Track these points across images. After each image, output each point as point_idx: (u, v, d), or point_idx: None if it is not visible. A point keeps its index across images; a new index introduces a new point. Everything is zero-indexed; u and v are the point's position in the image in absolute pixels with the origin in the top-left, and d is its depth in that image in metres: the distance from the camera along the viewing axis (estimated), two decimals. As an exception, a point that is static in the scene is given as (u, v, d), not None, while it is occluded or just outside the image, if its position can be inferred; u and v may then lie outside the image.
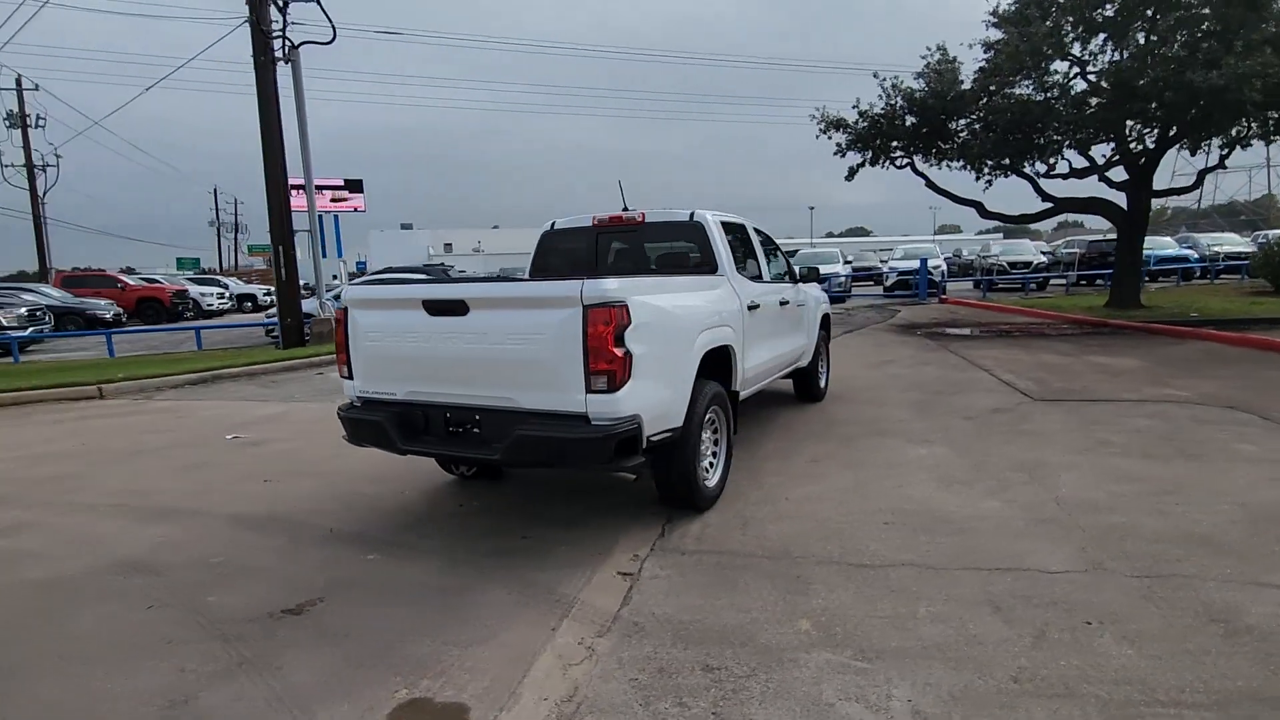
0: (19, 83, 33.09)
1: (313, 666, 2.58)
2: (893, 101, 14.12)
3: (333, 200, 56.63)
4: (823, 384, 7.20)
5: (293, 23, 14.03)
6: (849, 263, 21.85)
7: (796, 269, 6.37)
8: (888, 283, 20.80)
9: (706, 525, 3.86)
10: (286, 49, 13.99)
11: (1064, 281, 20.72)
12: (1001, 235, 46.65)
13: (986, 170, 14.28)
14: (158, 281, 27.91)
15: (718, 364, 4.31)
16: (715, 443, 4.28)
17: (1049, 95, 12.54)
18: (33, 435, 6.85)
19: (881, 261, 24.42)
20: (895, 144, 14.88)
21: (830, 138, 14.76)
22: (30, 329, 15.82)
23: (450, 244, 75.57)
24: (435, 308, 3.45)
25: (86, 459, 5.75)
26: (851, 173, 15.39)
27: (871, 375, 8.50)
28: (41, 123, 33.84)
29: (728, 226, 5.10)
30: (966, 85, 13.62)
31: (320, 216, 57.79)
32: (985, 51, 13.59)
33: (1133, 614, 2.74)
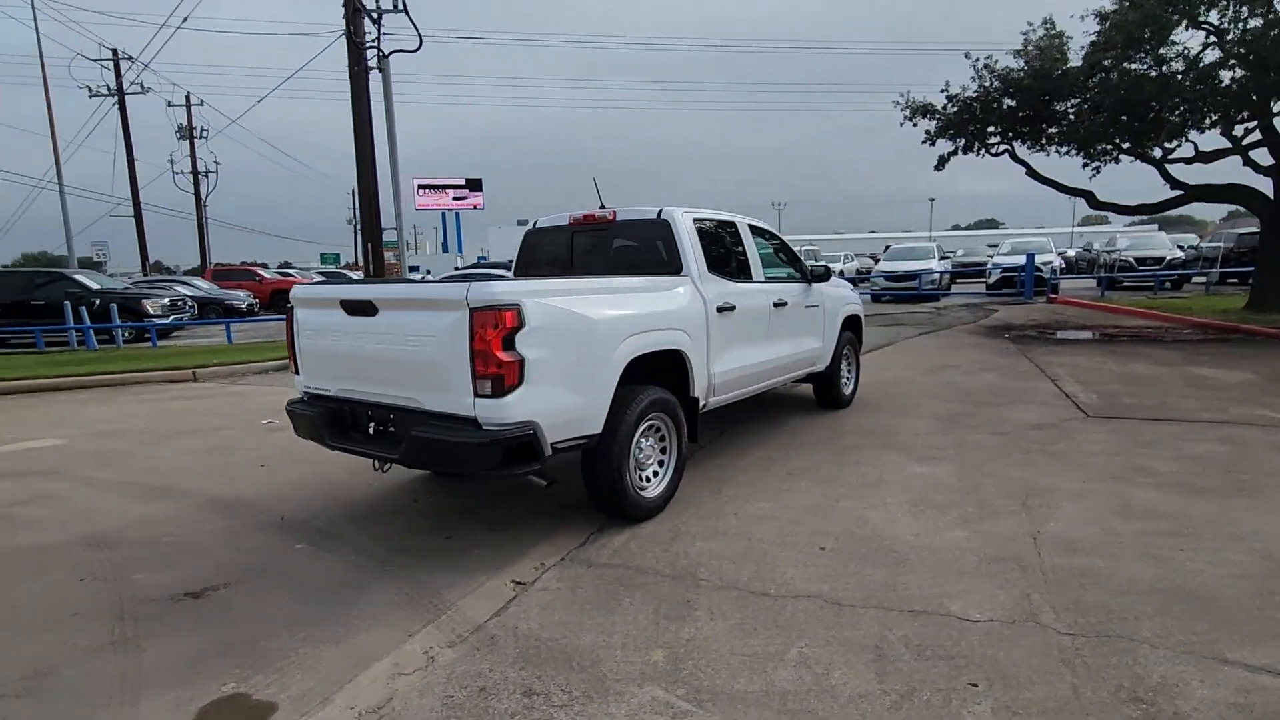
0: (188, 99, 37.40)
1: (174, 651, 2.70)
2: (986, 83, 12.97)
3: (454, 199, 60.13)
4: (848, 390, 6.73)
5: (385, 33, 14.94)
6: (945, 258, 20.26)
7: (810, 268, 5.98)
8: (990, 280, 19.13)
9: (635, 536, 3.70)
10: (378, 58, 14.92)
11: (1204, 280, 18.20)
12: (1156, 227, 41.74)
13: (1096, 155, 12.80)
14: (290, 275, 30.79)
15: (667, 369, 4.12)
16: (663, 451, 4.10)
17: (1166, 70, 11.02)
18: (114, 413, 7.73)
19: (988, 256, 22.53)
20: (991, 129, 13.67)
21: (914, 124, 13.79)
22: (171, 317, 17.84)
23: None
24: (350, 307, 3.52)
25: (138, 437, 6.40)
26: (941, 162, 14.31)
27: (920, 381, 7.85)
28: (205, 134, 38.20)
29: (707, 224, 4.86)
30: (1075, 62, 12.26)
31: (443, 214, 60.81)
32: (1100, 23, 12.15)
33: (1037, 680, 2.34)
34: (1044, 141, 13.18)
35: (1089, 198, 13.70)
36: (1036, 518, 3.74)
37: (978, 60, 12.94)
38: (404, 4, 14.68)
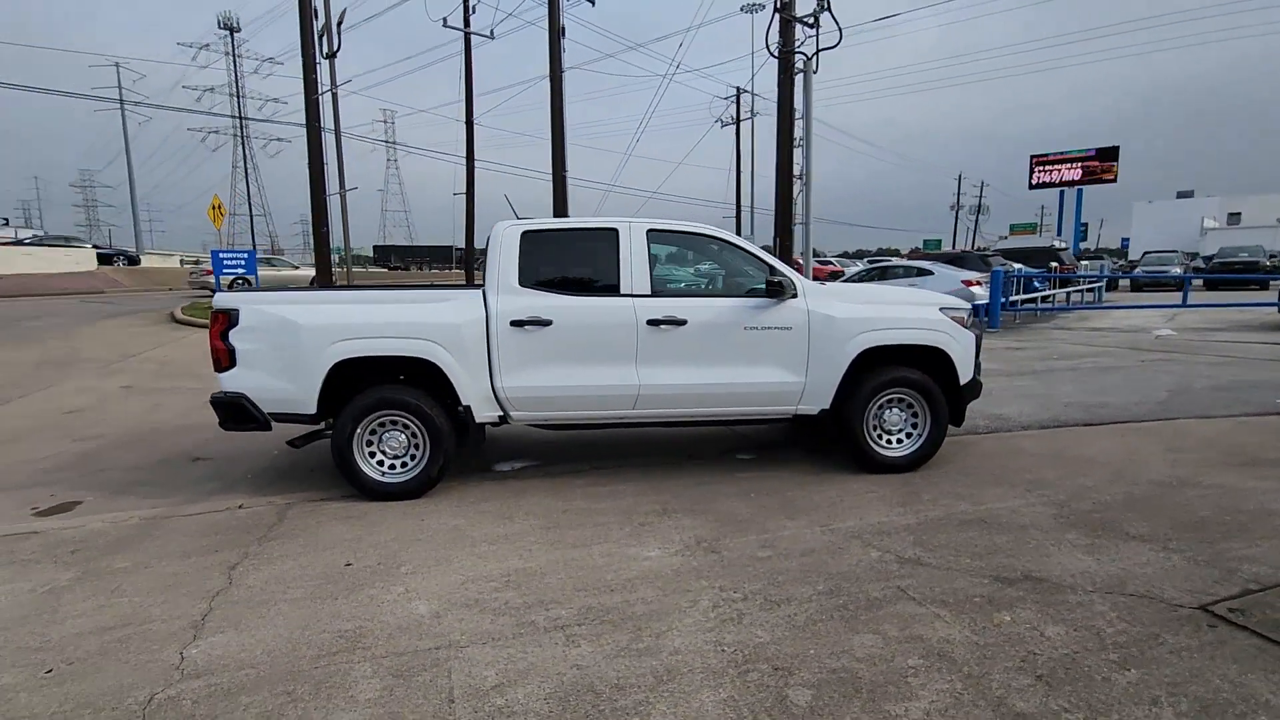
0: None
1: (84, 479, 5.14)
2: None
3: (1084, 174, 52.89)
4: (901, 452, 4.73)
5: (810, 36, 15.36)
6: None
7: (773, 282, 4.57)
8: None
9: (331, 507, 4.36)
10: (804, 61, 15.46)
11: None
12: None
13: None
14: (830, 263, 33.70)
15: (425, 374, 4.46)
16: (415, 447, 4.49)
17: None
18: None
19: None
20: None
21: None
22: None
23: (1238, 213, 58.04)
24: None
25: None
26: None
27: (1140, 477, 4.52)
28: (799, 144, 44.52)
29: (558, 235, 4.66)
30: None
31: (1061, 193, 55.75)
32: None
33: None
34: None
35: None
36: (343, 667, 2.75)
37: None
38: (828, 3, 14.76)
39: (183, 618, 2.99)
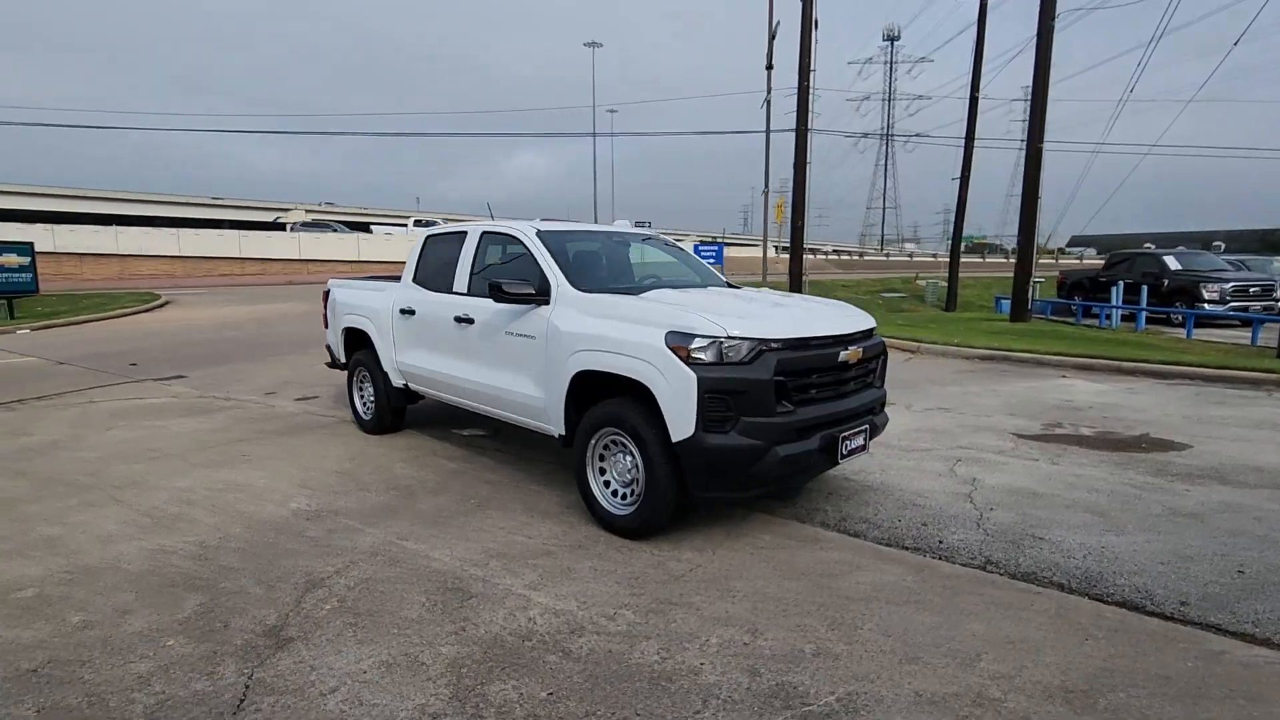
0: None
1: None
2: None
3: None
4: (621, 510, 3.76)
5: None
6: None
7: (503, 284, 4.20)
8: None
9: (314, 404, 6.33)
10: None
11: None
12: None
13: None
14: None
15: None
16: (366, 393, 6.07)
17: None
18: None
19: None
20: None
21: None
22: (1228, 306, 15.62)
23: None
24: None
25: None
26: None
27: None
28: None
29: (443, 237, 5.41)
30: None
31: None
32: None
33: None
34: None
35: None
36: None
37: None
38: None
39: (141, 447, 5.48)
